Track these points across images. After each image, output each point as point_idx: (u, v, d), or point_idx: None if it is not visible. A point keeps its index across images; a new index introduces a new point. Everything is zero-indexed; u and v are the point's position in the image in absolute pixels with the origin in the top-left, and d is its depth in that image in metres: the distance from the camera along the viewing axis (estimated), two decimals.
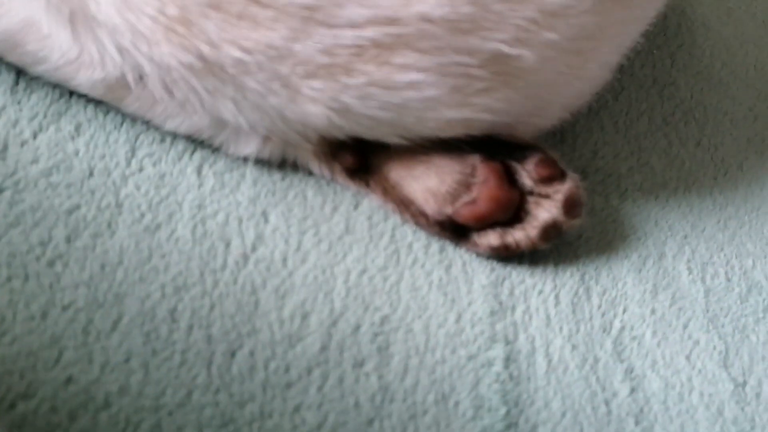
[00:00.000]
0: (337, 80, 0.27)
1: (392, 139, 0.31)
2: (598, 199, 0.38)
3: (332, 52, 0.27)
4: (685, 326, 0.35)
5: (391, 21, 0.26)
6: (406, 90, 0.28)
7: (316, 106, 0.28)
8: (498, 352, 0.31)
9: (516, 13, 0.27)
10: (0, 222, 0.28)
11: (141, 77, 0.28)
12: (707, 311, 0.35)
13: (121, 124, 0.32)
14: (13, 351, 0.26)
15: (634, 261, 0.36)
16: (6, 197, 0.29)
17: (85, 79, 0.29)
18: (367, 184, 0.33)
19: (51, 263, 0.28)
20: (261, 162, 0.33)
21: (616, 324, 0.34)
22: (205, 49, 0.26)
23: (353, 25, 0.26)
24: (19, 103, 0.31)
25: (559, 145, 0.39)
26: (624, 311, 0.34)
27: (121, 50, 0.27)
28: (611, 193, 0.39)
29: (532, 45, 0.28)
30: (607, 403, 0.31)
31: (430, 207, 0.33)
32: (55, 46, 0.28)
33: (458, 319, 0.32)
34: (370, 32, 0.26)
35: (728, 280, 0.37)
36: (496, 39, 0.27)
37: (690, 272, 0.37)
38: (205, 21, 0.26)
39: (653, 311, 0.35)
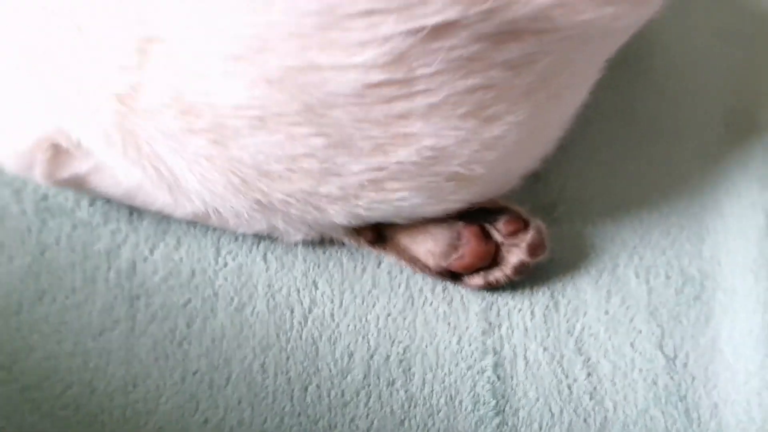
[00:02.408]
0: (350, 202, 0.40)
1: (396, 221, 0.43)
2: (565, 227, 0.49)
3: (344, 188, 0.39)
4: (631, 320, 0.47)
5: (380, 168, 0.38)
6: (398, 201, 0.40)
7: (339, 217, 0.41)
8: (489, 361, 0.44)
9: (464, 149, 0.38)
10: (141, 320, 0.43)
11: (220, 213, 0.41)
12: (649, 306, 0.47)
13: (206, 233, 0.45)
14: (168, 407, 0.41)
15: (593, 274, 0.48)
16: (142, 302, 0.43)
17: (180, 214, 0.43)
18: (384, 249, 0.46)
19: (180, 344, 0.42)
20: (307, 243, 0.46)
21: (578, 326, 0.46)
22: (260, 197, 0.39)
23: (354, 173, 0.38)
24: (136, 230, 0.45)
25: (533, 184, 0.50)
26: (584, 315, 0.47)
27: (204, 203, 0.40)
28: (576, 219, 0.50)
29: (483, 162, 0.39)
30: (569, 387, 0.44)
31: (431, 262, 0.45)
32: (158, 200, 0.42)
33: (459, 341, 0.45)
34: (366, 176, 0.38)
35: (668, 278, 0.48)
36: (454, 164, 0.39)
37: (637, 277, 0.48)
38: (259, 182, 0.38)
39: (606, 312, 0.47)
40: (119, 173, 0.40)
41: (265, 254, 0.45)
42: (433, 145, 0.37)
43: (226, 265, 0.45)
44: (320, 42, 0.33)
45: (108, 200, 0.44)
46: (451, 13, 0.34)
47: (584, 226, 0.50)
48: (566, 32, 0.37)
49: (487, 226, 0.45)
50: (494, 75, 0.36)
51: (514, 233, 0.45)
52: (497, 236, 0.45)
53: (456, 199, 0.41)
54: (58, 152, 0.40)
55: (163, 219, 0.45)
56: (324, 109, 0.35)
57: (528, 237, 0.45)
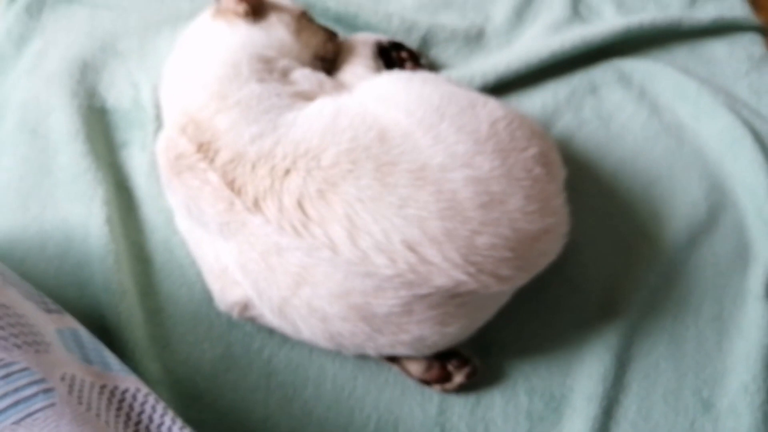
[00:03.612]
0: (378, 351, 0.84)
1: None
2: (493, 359, 0.93)
3: (376, 346, 0.83)
4: (516, 417, 0.90)
5: (394, 341, 0.82)
6: (400, 352, 0.84)
7: (371, 353, 0.85)
8: (438, 429, 0.89)
9: (433, 337, 0.82)
10: (273, 386, 0.88)
11: (317, 343, 0.86)
12: (528, 410, 0.89)
13: (304, 346, 0.90)
14: (281, 426, 0.86)
15: (501, 389, 0.89)
16: (273, 377, 0.88)
17: (295, 338, 0.88)
18: (393, 363, 0.90)
19: (290, 400, 0.87)
20: (356, 356, 0.90)
21: (487, 416, 0.89)
22: (337, 344, 0.83)
23: (381, 341, 0.82)
24: (272, 338, 0.90)
25: (480, 335, 0.93)
26: (492, 411, 0.90)
27: (310, 339, 0.84)
28: (498, 355, 0.93)
29: (443, 341, 0.83)
30: None
31: (416, 375, 0.89)
32: (287, 331, 0.87)
33: (424, 415, 0.88)
34: (387, 343, 0.82)
35: (542, 396, 0.90)
36: (428, 342, 0.82)
37: (525, 393, 0.90)
38: (338, 338, 0.82)
39: (504, 411, 0.89)
40: (271, 320, 0.86)
41: (333, 359, 0.90)
42: (418, 335, 0.81)
43: (313, 362, 0.90)
44: (372, 295, 0.77)
45: (262, 324, 0.90)
46: (431, 290, 0.77)
47: (502, 359, 0.93)
48: (486, 294, 0.81)
49: (446, 361, 0.89)
50: (448, 309, 0.80)
51: (459, 367, 0.89)
52: (450, 367, 0.89)
53: (429, 352, 0.86)
54: (246, 306, 0.86)
55: (285, 337, 0.90)
56: (370, 318, 0.79)
57: (466, 369, 0.89)
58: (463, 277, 0.76)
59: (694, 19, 1.23)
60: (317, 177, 0.77)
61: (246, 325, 0.90)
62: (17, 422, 0.58)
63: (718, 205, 1.07)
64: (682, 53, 1.22)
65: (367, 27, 1.15)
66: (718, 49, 1.23)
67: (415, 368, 0.89)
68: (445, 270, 0.76)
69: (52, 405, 0.60)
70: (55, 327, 0.71)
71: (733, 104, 1.16)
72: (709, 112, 1.14)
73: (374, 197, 0.76)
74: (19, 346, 0.63)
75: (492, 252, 0.78)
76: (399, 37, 1.14)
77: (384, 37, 1.10)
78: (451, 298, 0.79)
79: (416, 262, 0.75)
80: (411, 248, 0.75)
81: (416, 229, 0.75)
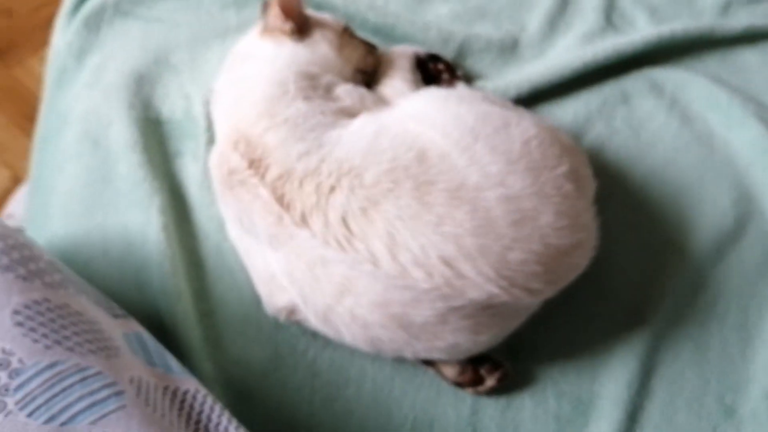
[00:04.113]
0: (416, 355, 0.89)
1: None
2: (521, 364, 0.97)
3: (414, 350, 0.89)
4: (546, 419, 0.95)
5: (430, 347, 0.87)
6: (436, 356, 0.90)
7: (409, 356, 0.91)
8: (470, 428, 0.94)
9: (467, 344, 0.87)
10: (319, 386, 0.94)
11: (358, 346, 0.92)
12: (557, 413, 0.95)
13: (344, 347, 0.96)
14: (325, 422, 0.92)
15: (531, 392, 0.95)
16: (317, 377, 0.95)
17: (336, 341, 0.94)
18: (430, 367, 0.96)
19: (331, 398, 0.94)
20: (394, 359, 0.96)
21: (518, 418, 0.95)
22: (376, 348, 0.89)
23: (419, 346, 0.88)
24: (316, 340, 0.96)
25: (510, 340, 0.98)
26: (521, 413, 0.95)
27: (350, 343, 0.91)
28: (526, 360, 0.98)
29: (476, 348, 0.89)
30: None
31: (451, 378, 0.95)
32: (329, 334, 0.93)
33: (458, 416, 0.94)
34: (424, 348, 0.87)
35: (570, 399, 0.96)
36: (461, 349, 0.88)
37: (554, 397, 0.96)
38: (377, 343, 0.88)
39: (534, 414, 0.95)
40: (315, 324, 0.92)
41: (373, 361, 0.96)
42: (453, 342, 0.87)
43: (354, 363, 0.96)
44: (410, 306, 0.83)
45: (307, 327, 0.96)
46: (465, 303, 0.82)
47: (532, 364, 0.98)
48: (517, 305, 0.86)
49: (478, 366, 0.95)
50: (481, 319, 0.85)
51: (491, 371, 0.94)
52: (482, 371, 0.94)
53: (463, 357, 0.91)
54: (292, 311, 0.92)
55: (328, 340, 0.96)
56: (407, 326, 0.85)
57: (498, 373, 0.94)
58: (495, 291, 0.81)
59: (726, 28, 1.25)
60: (360, 195, 0.82)
61: (292, 328, 0.96)
62: (93, 423, 0.65)
63: (746, 215, 1.09)
64: (713, 62, 1.24)
65: (404, 38, 1.19)
66: (750, 57, 1.25)
67: (450, 371, 0.94)
68: (479, 284, 0.81)
69: (123, 407, 0.67)
70: (122, 331, 0.78)
71: (764, 114, 1.18)
72: (740, 122, 1.16)
73: (413, 215, 0.81)
74: (93, 352, 0.70)
75: (523, 267, 0.82)
76: (436, 48, 1.18)
77: (421, 50, 1.15)
78: (484, 310, 0.84)
79: (452, 276, 0.81)
80: (447, 263, 0.80)
81: (452, 246, 0.80)
